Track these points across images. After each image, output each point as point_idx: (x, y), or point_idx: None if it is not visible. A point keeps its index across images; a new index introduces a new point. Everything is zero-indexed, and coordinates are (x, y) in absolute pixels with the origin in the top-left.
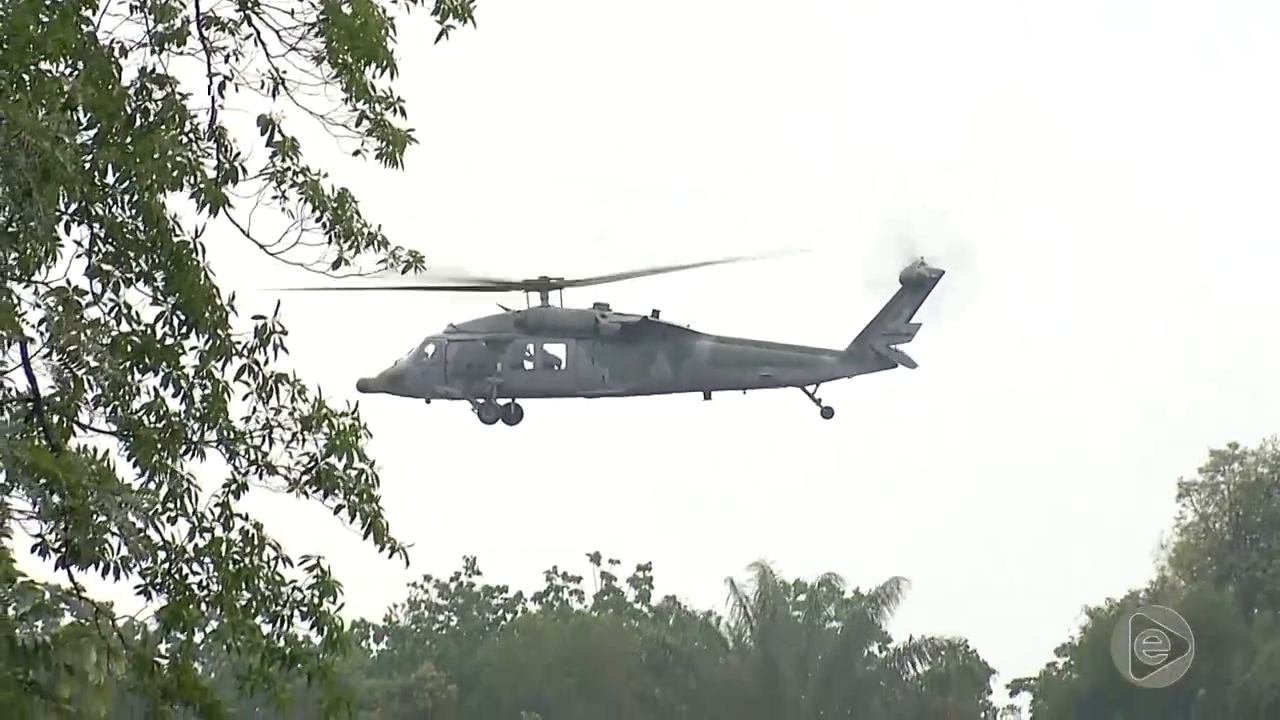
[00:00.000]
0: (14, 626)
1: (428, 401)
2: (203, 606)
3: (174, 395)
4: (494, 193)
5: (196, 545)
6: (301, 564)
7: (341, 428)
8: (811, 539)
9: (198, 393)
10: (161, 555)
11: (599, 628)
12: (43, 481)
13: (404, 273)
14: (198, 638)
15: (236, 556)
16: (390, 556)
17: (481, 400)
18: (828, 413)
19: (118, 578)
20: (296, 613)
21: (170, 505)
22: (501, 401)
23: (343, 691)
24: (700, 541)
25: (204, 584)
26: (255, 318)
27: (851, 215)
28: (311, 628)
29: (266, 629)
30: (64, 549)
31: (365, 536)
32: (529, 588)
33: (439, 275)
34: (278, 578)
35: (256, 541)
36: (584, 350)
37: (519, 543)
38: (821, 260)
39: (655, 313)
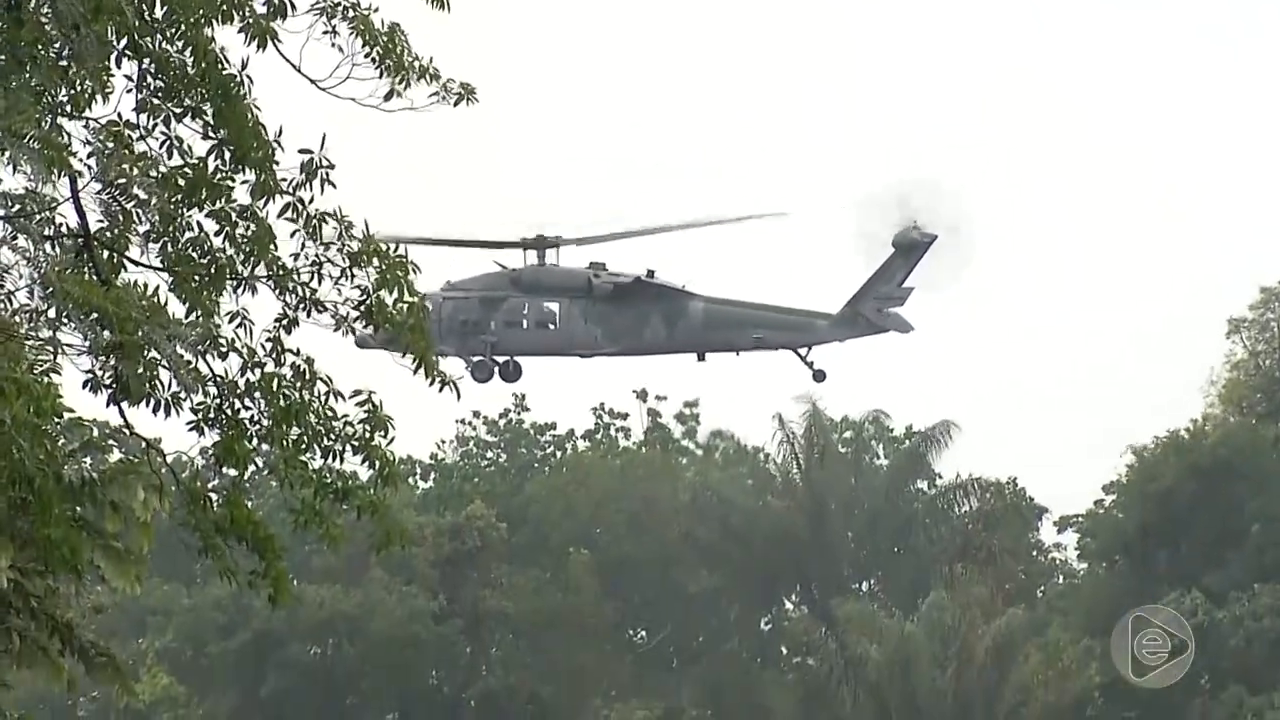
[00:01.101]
0: (63, 463)
1: None
2: (254, 441)
3: (216, 233)
4: (505, 172)
5: (248, 380)
6: (352, 398)
7: (391, 262)
8: (858, 378)
9: (240, 229)
10: (213, 390)
11: (646, 465)
12: (93, 316)
13: (455, 105)
14: (249, 472)
15: (288, 391)
16: (440, 391)
17: (475, 359)
18: (819, 376)
19: (168, 414)
20: (348, 448)
21: (219, 341)
22: (500, 359)
23: (394, 526)
24: (746, 379)
25: (255, 419)
26: (301, 151)
27: (853, 187)
28: (363, 462)
29: (317, 464)
30: (114, 385)
31: (415, 371)
32: (578, 425)
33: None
34: (329, 413)
35: (308, 376)
36: (577, 310)
37: (567, 380)
38: (816, 224)
39: (650, 273)
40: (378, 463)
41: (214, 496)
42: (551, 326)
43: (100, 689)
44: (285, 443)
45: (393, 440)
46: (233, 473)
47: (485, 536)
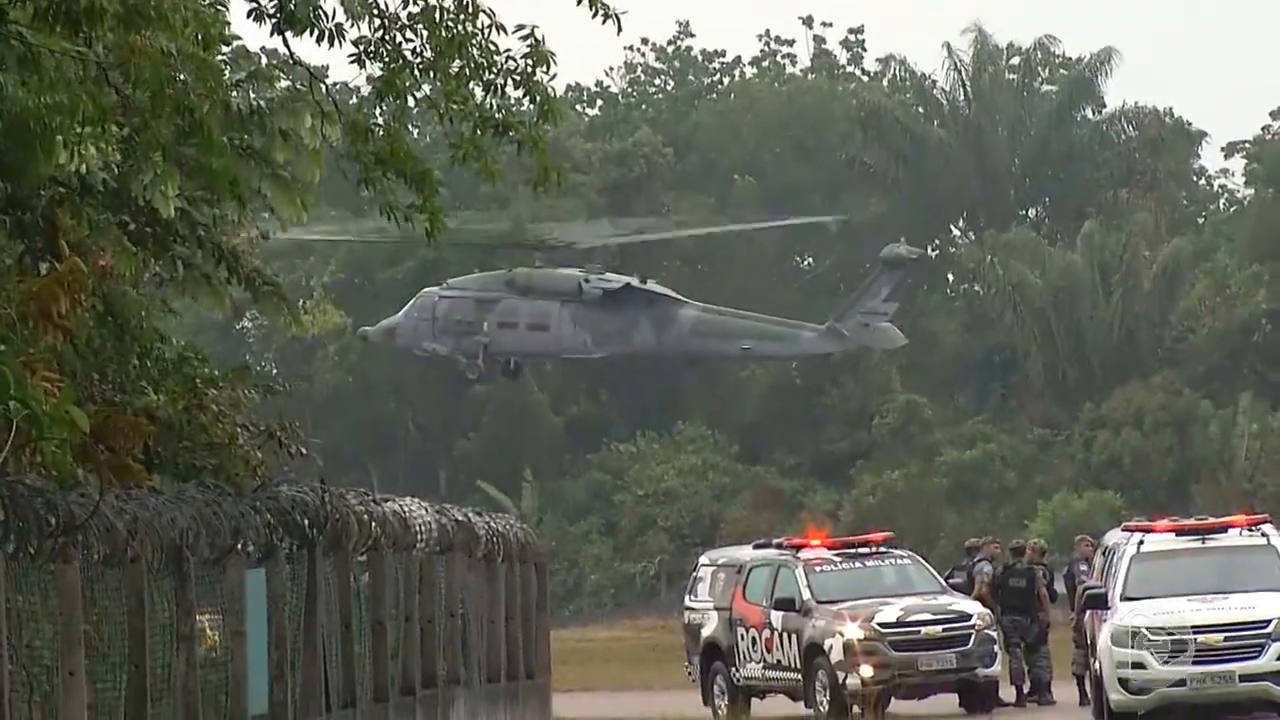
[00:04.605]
0: (230, 91)
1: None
2: (415, 74)
3: None
4: None
5: (409, 13)
6: (515, 32)
7: None
8: (1025, 4)
9: None
10: (375, 22)
11: (814, 92)
12: None
13: None
14: (410, 104)
15: (450, 23)
16: (604, 22)
17: (467, 359)
18: (800, 380)
19: (332, 44)
20: (509, 82)
21: None
22: (499, 359)
23: (553, 163)
24: (913, 5)
25: (417, 51)
26: None
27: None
28: (524, 97)
29: (478, 98)
30: (279, 13)
31: (580, 1)
32: (744, 52)
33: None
34: (491, 46)
35: (471, 9)
36: (568, 313)
37: (732, 7)
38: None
39: (643, 279)
40: (538, 98)
41: (375, 128)
42: (543, 329)
43: (265, 315)
44: (446, 76)
45: (555, 76)
46: (393, 105)
47: (651, 163)
